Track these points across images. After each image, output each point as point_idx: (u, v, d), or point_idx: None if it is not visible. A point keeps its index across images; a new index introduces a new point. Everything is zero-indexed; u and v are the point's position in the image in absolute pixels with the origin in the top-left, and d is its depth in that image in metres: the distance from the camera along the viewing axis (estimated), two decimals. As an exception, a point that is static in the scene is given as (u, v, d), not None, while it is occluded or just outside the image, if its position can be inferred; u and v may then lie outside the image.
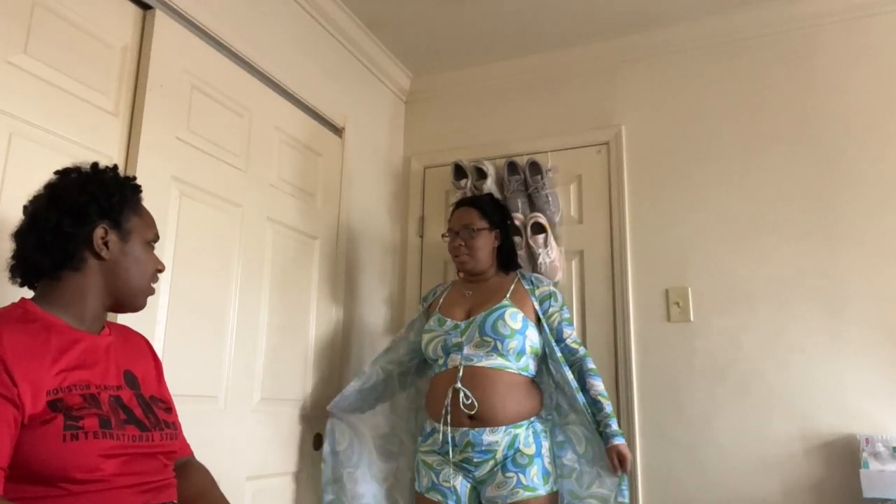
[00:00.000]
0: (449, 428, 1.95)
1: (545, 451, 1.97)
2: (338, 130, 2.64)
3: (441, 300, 2.21)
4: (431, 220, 2.99)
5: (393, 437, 2.23)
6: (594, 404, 1.96)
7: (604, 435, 1.91)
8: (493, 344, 1.98)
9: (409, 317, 2.78)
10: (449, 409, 1.96)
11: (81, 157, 1.59)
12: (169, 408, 1.26)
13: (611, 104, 2.77)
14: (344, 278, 2.56)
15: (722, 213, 2.50)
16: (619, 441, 1.90)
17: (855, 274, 2.28)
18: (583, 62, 2.85)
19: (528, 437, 1.95)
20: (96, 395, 1.08)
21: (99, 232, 1.15)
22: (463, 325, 2.05)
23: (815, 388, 2.25)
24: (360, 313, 2.68)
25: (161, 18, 1.83)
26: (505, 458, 1.93)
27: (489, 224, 2.16)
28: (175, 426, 1.23)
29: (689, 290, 2.48)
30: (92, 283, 1.16)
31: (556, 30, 2.74)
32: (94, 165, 1.22)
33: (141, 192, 1.26)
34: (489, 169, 2.74)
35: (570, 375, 1.99)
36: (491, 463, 1.94)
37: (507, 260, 2.20)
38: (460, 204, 2.26)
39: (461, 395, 1.94)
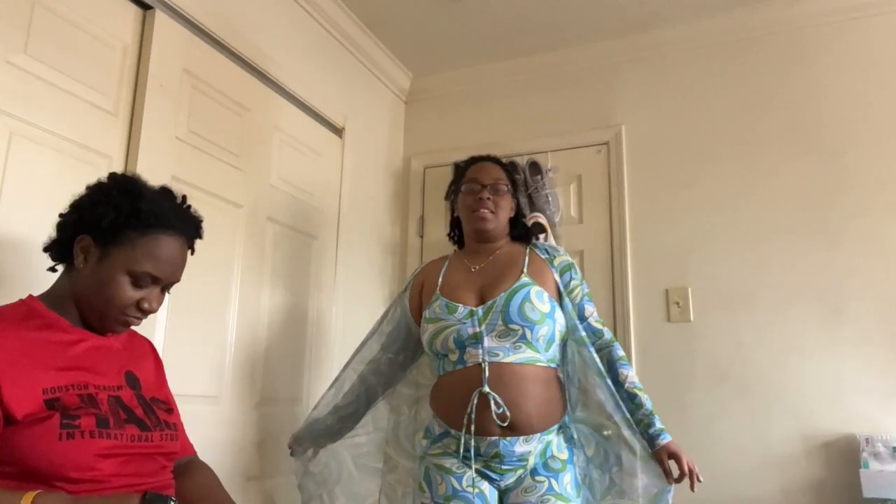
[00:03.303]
0: (472, 437, 1.61)
1: (576, 457, 1.70)
2: (338, 130, 2.64)
3: (440, 280, 1.82)
4: (431, 220, 2.99)
5: (376, 454, 1.94)
6: (632, 399, 1.67)
7: (648, 435, 1.63)
8: (520, 332, 1.64)
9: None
10: (473, 417, 1.60)
11: (81, 157, 1.60)
12: (170, 408, 1.26)
13: (611, 104, 2.77)
14: (344, 278, 2.56)
15: (722, 212, 2.50)
16: (668, 439, 1.61)
17: (855, 274, 2.28)
18: (583, 62, 2.85)
19: (560, 441, 1.68)
20: (94, 395, 1.08)
21: (80, 240, 1.14)
22: (480, 311, 1.68)
23: (815, 388, 2.25)
24: (360, 313, 2.68)
25: (161, 18, 1.83)
26: (535, 463, 1.66)
27: (512, 188, 1.88)
28: (176, 427, 1.23)
29: (689, 290, 2.48)
30: (72, 288, 1.16)
31: (555, 30, 2.74)
32: (120, 183, 1.18)
33: (153, 229, 1.15)
34: (489, 169, 2.73)
35: (598, 360, 1.68)
36: (520, 472, 1.65)
37: (522, 229, 1.90)
38: (481, 159, 1.91)
39: (492, 402, 1.60)
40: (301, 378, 2.30)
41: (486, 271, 1.78)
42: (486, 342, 1.65)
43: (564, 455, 1.67)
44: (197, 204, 1.89)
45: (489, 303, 1.69)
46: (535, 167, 2.70)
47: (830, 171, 2.39)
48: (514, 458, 1.62)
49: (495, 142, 2.90)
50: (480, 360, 1.64)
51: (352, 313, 2.61)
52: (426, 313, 1.77)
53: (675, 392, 2.42)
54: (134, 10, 1.80)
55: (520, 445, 1.61)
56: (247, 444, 2.02)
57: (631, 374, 1.71)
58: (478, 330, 1.66)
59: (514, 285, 1.70)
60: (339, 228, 2.56)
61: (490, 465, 1.64)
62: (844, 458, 2.16)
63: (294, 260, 2.32)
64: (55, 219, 1.20)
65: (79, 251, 1.13)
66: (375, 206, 2.87)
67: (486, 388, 1.60)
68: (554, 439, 1.66)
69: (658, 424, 1.63)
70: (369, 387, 1.90)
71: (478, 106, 3.03)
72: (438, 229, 2.95)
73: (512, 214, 1.87)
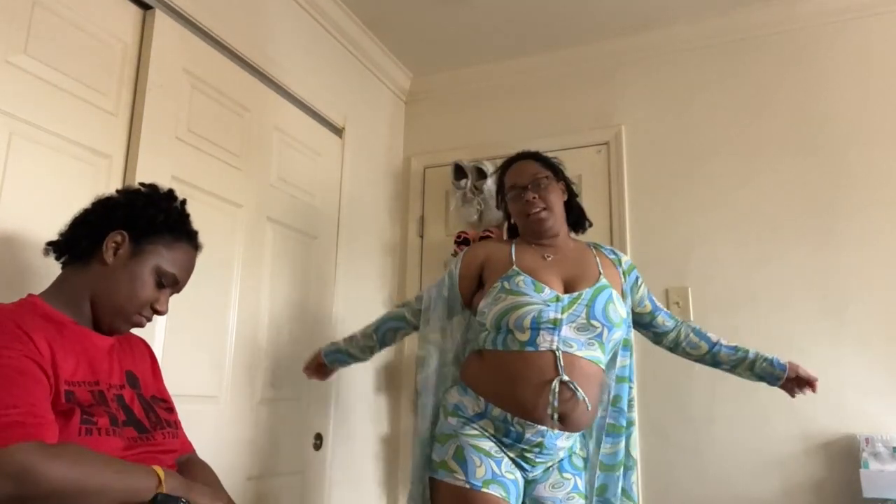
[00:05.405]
0: (525, 423, 1.59)
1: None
2: (338, 130, 2.64)
3: (513, 258, 1.75)
4: (431, 220, 2.99)
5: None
6: (736, 350, 1.81)
7: (773, 364, 1.78)
8: (599, 330, 1.65)
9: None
10: (556, 405, 1.57)
11: (81, 157, 1.60)
12: (170, 407, 1.27)
13: (611, 104, 2.77)
14: (344, 278, 2.56)
15: (722, 212, 2.50)
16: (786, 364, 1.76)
17: (855, 274, 2.28)
18: (583, 62, 2.85)
19: (578, 438, 1.73)
20: (104, 392, 1.10)
21: (114, 236, 1.16)
22: (566, 299, 1.65)
23: (815, 387, 2.25)
24: (360, 313, 2.67)
25: (161, 18, 1.83)
26: (563, 457, 1.71)
27: (554, 174, 1.85)
28: (176, 425, 1.25)
29: (689, 290, 2.48)
30: (89, 284, 1.16)
31: (555, 30, 2.74)
32: (169, 191, 1.26)
33: (185, 237, 1.26)
34: (489, 169, 2.74)
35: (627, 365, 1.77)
36: (550, 464, 1.69)
37: (578, 217, 1.90)
38: (513, 160, 1.90)
39: (576, 393, 1.58)
40: (301, 378, 2.29)
41: (562, 262, 1.76)
42: (564, 331, 1.62)
43: (583, 453, 1.74)
44: (197, 204, 1.89)
45: (575, 294, 1.67)
46: (535, 167, 2.69)
47: (830, 170, 2.38)
48: (553, 451, 1.64)
49: (495, 142, 2.90)
50: (554, 347, 1.61)
51: (352, 313, 2.60)
52: (504, 283, 1.68)
53: (675, 392, 2.42)
54: (134, 10, 1.80)
55: (562, 440, 1.63)
56: (247, 444, 2.02)
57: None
58: (559, 316, 1.63)
59: (598, 284, 1.70)
60: (339, 228, 2.56)
61: (525, 454, 1.63)
62: (844, 458, 2.16)
63: (294, 260, 2.32)
64: (55, 218, 1.21)
65: (110, 245, 1.15)
66: (375, 206, 2.87)
67: (566, 377, 1.58)
68: (577, 437, 1.71)
69: (770, 355, 1.77)
70: (389, 329, 1.93)
71: (478, 106, 3.03)
72: (438, 229, 2.95)
73: (565, 198, 1.86)
